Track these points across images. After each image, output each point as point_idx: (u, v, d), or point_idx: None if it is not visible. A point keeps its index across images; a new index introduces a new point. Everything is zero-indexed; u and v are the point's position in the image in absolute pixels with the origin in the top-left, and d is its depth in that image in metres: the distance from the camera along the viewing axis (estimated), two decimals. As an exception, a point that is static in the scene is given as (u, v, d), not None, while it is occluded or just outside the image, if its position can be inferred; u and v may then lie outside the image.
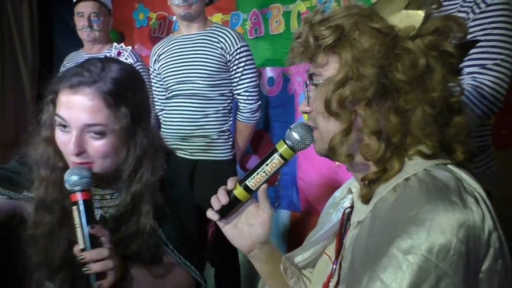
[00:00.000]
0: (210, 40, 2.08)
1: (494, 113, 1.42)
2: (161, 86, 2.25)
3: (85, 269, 0.91)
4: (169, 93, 2.18)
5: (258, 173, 0.87)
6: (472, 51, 1.32)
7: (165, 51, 2.19)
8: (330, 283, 0.87)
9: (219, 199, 0.90)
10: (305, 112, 0.86)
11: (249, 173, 0.89)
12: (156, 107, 2.32)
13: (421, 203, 0.65)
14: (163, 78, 2.19)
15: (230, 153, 2.17)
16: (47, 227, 1.01)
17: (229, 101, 2.16)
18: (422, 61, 0.71)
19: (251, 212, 0.92)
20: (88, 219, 0.93)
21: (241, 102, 2.14)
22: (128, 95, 1.02)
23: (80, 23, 2.49)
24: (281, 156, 0.86)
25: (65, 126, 0.99)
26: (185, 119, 2.11)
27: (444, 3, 1.39)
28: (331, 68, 0.76)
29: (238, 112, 2.18)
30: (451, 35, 0.74)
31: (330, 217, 0.97)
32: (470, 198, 0.66)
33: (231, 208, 0.91)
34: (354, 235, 0.77)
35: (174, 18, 2.97)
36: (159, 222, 1.09)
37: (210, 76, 2.06)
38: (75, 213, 0.93)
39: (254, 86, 2.11)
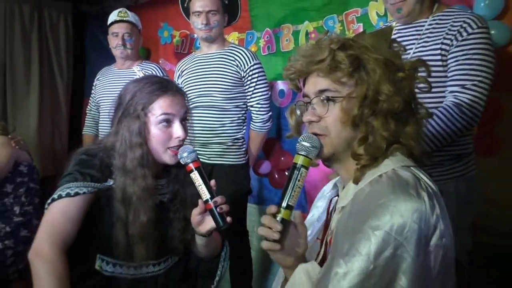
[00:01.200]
0: (227, 58, 2.31)
1: (473, 126, 1.60)
2: (184, 99, 2.50)
3: (221, 210, 1.23)
4: (191, 105, 2.42)
5: (294, 190, 0.98)
6: (454, 73, 1.58)
7: (187, 67, 2.43)
8: (317, 259, 1.06)
9: (274, 227, 0.96)
10: (311, 121, 1.01)
11: (284, 194, 0.99)
12: None
13: (387, 194, 0.87)
14: (185, 91, 2.40)
15: (244, 158, 2.38)
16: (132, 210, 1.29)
17: (243, 112, 2.37)
18: (413, 86, 0.97)
19: (292, 230, 1.01)
20: (205, 179, 1.25)
21: (254, 113, 2.35)
22: None
23: (115, 42, 2.73)
24: (303, 166, 0.99)
25: (168, 121, 1.30)
26: (203, 127, 2.32)
27: (433, 31, 1.62)
28: (346, 87, 0.96)
29: (251, 122, 2.39)
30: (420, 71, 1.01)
31: (319, 209, 1.20)
32: (423, 192, 0.87)
33: (284, 231, 0.98)
34: (338, 218, 0.98)
35: (195, 35, 3.19)
36: None
37: (226, 90, 2.28)
38: (196, 177, 1.24)
39: (265, 99, 2.32)
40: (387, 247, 0.82)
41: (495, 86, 1.89)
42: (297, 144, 1.00)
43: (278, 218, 0.97)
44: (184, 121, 1.35)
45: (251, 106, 2.35)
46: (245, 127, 2.42)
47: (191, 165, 1.25)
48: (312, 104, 1.00)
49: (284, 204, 0.97)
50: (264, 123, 2.36)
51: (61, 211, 1.23)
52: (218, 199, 1.24)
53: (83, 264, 1.27)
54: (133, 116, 1.29)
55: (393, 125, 0.94)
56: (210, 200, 1.23)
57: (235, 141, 2.35)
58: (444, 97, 1.61)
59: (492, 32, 2.04)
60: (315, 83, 1.00)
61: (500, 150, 2.14)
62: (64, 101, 4.11)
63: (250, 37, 3.09)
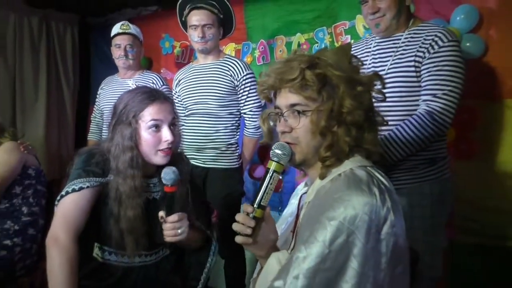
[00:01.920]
0: (221, 68, 2.43)
1: (444, 132, 1.71)
2: (181, 106, 2.58)
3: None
4: (187, 112, 2.53)
5: (267, 193, 1.08)
6: (426, 83, 1.71)
7: (184, 77, 2.56)
8: (289, 249, 1.17)
9: (247, 224, 1.08)
10: (284, 131, 1.10)
11: (258, 194, 1.09)
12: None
13: (343, 189, 0.99)
14: (183, 99, 2.55)
15: (237, 162, 2.49)
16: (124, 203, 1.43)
17: (236, 119, 2.49)
18: (370, 98, 1.10)
19: (263, 226, 1.12)
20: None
21: (247, 120, 2.46)
22: None
23: (117, 53, 2.85)
24: (275, 171, 1.09)
25: (157, 126, 1.44)
26: (199, 133, 2.45)
27: (408, 44, 1.73)
28: (315, 102, 1.06)
29: (244, 128, 2.50)
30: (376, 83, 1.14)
31: (293, 206, 1.33)
32: (375, 188, 0.99)
33: (256, 227, 1.09)
34: (304, 212, 1.11)
35: (195, 46, 3.36)
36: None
37: (220, 98, 2.40)
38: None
39: (258, 107, 2.43)
40: (341, 235, 0.93)
41: (471, 94, 2.01)
42: (271, 151, 1.10)
43: (251, 216, 1.08)
44: (172, 126, 1.49)
45: (244, 113, 2.46)
46: (238, 133, 2.53)
47: (167, 188, 1.39)
48: (284, 116, 1.10)
49: (256, 204, 1.08)
50: (257, 129, 2.46)
51: (71, 204, 1.38)
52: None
53: (83, 251, 1.41)
54: (126, 123, 1.44)
55: (354, 132, 1.06)
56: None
57: (229, 146, 2.46)
58: (417, 105, 1.72)
59: (468, 44, 2.18)
60: (287, 98, 1.10)
61: (475, 155, 2.25)
62: (70, 108, 4.21)
63: (246, 47, 3.23)
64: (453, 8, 2.27)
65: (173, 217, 1.39)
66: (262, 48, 3.14)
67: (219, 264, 2.56)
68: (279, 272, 1.01)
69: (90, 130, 3.19)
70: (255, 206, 1.08)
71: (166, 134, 1.46)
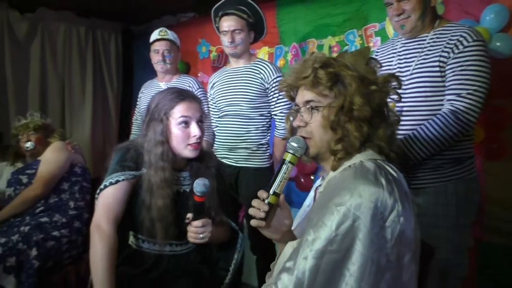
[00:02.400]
0: (252, 71, 2.52)
1: (468, 132, 1.71)
2: (215, 108, 2.70)
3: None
4: (220, 113, 2.64)
5: (281, 181, 1.16)
6: (451, 83, 1.73)
7: (218, 80, 2.67)
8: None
9: (261, 208, 1.14)
10: (299, 126, 1.19)
11: (272, 182, 1.16)
12: (213, 124, 2.76)
13: (350, 179, 1.06)
14: (216, 101, 2.66)
15: (268, 162, 2.57)
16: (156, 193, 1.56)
17: (267, 120, 2.56)
18: (383, 97, 1.16)
19: (278, 212, 1.19)
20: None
21: (277, 121, 2.53)
22: None
23: (156, 58, 2.96)
24: (290, 162, 1.17)
25: (186, 123, 1.57)
26: (231, 134, 2.55)
27: (433, 44, 1.75)
28: (328, 98, 1.14)
29: (275, 129, 2.56)
30: (392, 83, 1.20)
31: (310, 197, 1.40)
32: (382, 178, 1.04)
33: (270, 212, 1.15)
34: (316, 201, 1.19)
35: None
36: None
37: (252, 100, 2.49)
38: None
39: (287, 108, 2.46)
40: (347, 220, 0.98)
41: (501, 94, 2.00)
42: (287, 144, 1.17)
43: (266, 202, 1.15)
44: (200, 122, 1.62)
45: (275, 114, 2.53)
46: (269, 134, 2.61)
47: (196, 198, 1.49)
48: (301, 112, 1.19)
49: (271, 191, 1.15)
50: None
51: (109, 196, 1.53)
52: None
53: (120, 239, 1.55)
54: (158, 120, 1.58)
55: (366, 128, 1.13)
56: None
57: (260, 146, 2.54)
58: (442, 105, 1.73)
59: (498, 44, 2.17)
60: (303, 95, 1.19)
61: (506, 155, 2.23)
62: (114, 111, 4.46)
63: (279, 51, 3.32)
64: (483, 8, 2.26)
65: (198, 222, 1.51)
66: (294, 51, 3.21)
67: (252, 260, 2.63)
68: (291, 254, 1.08)
69: (132, 131, 3.34)
70: (270, 193, 1.15)
71: (194, 129, 1.58)
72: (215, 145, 2.69)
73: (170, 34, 3.00)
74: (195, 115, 1.60)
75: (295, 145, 1.16)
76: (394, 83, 1.21)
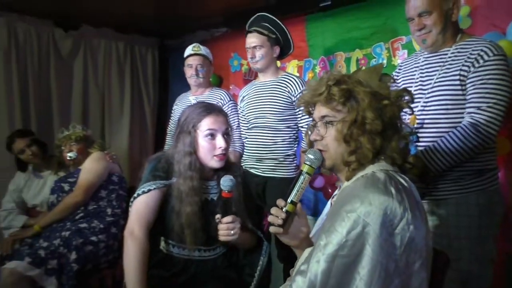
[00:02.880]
0: (279, 85, 2.61)
1: (488, 144, 1.72)
2: (244, 120, 2.81)
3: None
4: (249, 125, 2.74)
5: (298, 191, 1.23)
6: (471, 96, 1.76)
7: (247, 94, 2.78)
8: None
9: (279, 215, 1.23)
10: (316, 140, 1.26)
11: (290, 192, 1.23)
12: (242, 135, 2.86)
13: (361, 188, 1.11)
14: (246, 114, 2.76)
15: (294, 172, 2.62)
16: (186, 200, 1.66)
17: (294, 131, 2.64)
18: (396, 111, 1.22)
19: (295, 220, 1.27)
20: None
21: (303, 133, 2.62)
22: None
23: (189, 72, 3.06)
24: (307, 173, 1.24)
25: (212, 135, 1.67)
26: (259, 145, 2.64)
27: (454, 58, 1.79)
28: (341, 113, 1.21)
29: (302, 141, 2.63)
30: (404, 98, 1.26)
31: (327, 207, 1.46)
32: (391, 187, 1.09)
33: (287, 219, 1.23)
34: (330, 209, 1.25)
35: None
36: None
37: (278, 113, 2.58)
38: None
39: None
40: (357, 226, 1.03)
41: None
42: (305, 156, 1.25)
43: (283, 210, 1.23)
44: (226, 135, 1.72)
45: (301, 126, 2.61)
46: (296, 145, 2.68)
47: (224, 194, 1.58)
48: (317, 126, 1.26)
49: (289, 200, 1.23)
50: (313, 142, 2.60)
51: (142, 203, 1.65)
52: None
53: (152, 244, 1.66)
54: (186, 132, 1.69)
55: (378, 141, 1.19)
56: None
57: (287, 157, 2.62)
58: (462, 118, 1.75)
59: (525, 56, 2.15)
60: (319, 110, 1.26)
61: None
62: (150, 122, 4.62)
63: (308, 64, 3.38)
64: (509, 21, 2.26)
65: (228, 218, 1.59)
66: (322, 64, 3.27)
67: (279, 268, 2.66)
68: (306, 257, 1.15)
69: (166, 142, 3.45)
70: (288, 201, 1.23)
71: (220, 141, 1.68)
72: (244, 155, 2.78)
73: (203, 49, 3.11)
74: (221, 128, 1.70)
75: (311, 157, 1.23)
76: (407, 98, 1.27)
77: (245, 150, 2.79)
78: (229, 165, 1.78)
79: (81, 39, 4.16)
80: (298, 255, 1.32)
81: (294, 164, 2.66)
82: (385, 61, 2.88)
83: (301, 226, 1.28)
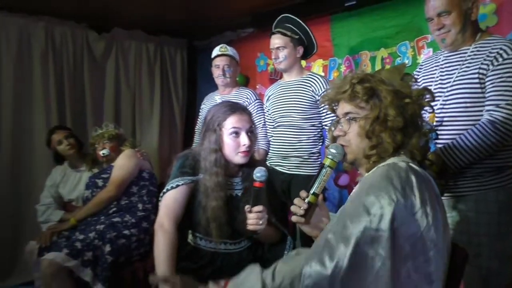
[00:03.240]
0: (304, 84, 2.66)
1: (507, 141, 1.72)
2: (270, 119, 2.87)
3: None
4: (275, 124, 2.80)
5: (319, 183, 1.29)
6: (490, 94, 1.78)
7: (273, 93, 2.84)
8: None
9: (301, 206, 1.28)
10: (339, 135, 1.31)
11: (312, 184, 1.29)
12: (268, 134, 2.93)
13: (383, 175, 1.13)
14: (271, 113, 2.82)
15: None
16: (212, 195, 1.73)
17: (318, 130, 2.68)
18: (417, 109, 1.27)
19: (317, 211, 1.34)
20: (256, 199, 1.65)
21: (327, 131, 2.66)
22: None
23: (216, 72, 3.13)
24: (329, 167, 1.29)
25: (236, 133, 1.75)
26: (284, 143, 2.69)
27: (474, 57, 1.80)
28: (364, 110, 1.26)
29: (326, 139, 2.67)
30: (425, 97, 1.30)
31: None
32: (413, 176, 1.10)
33: (309, 210, 1.29)
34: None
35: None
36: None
37: (303, 111, 2.63)
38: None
39: None
40: (376, 214, 1.06)
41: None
42: (326, 150, 1.31)
43: (306, 201, 1.28)
44: (250, 133, 1.79)
45: (325, 125, 2.64)
46: (321, 143, 2.72)
47: (256, 184, 1.63)
48: (340, 122, 1.32)
49: (311, 192, 1.29)
50: (338, 140, 2.64)
51: (170, 198, 1.74)
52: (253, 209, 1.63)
53: (181, 237, 1.75)
54: (212, 130, 1.77)
55: (399, 137, 1.24)
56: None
57: (311, 155, 2.67)
58: (481, 115, 1.76)
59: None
60: (343, 107, 1.31)
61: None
62: (179, 121, 4.73)
63: (333, 63, 3.42)
64: (536, 18, 2.24)
65: (258, 207, 1.64)
66: (347, 63, 3.30)
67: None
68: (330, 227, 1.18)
69: (194, 140, 3.56)
70: (310, 192, 1.29)
71: (244, 139, 1.76)
72: (270, 153, 2.84)
73: (230, 50, 3.17)
74: (245, 126, 1.78)
75: (333, 151, 1.29)
76: (428, 96, 1.31)
77: (271, 148, 2.84)
78: (254, 163, 1.85)
79: (113, 41, 4.30)
80: None
81: (319, 162, 2.69)
82: (410, 60, 2.89)
83: (322, 217, 1.35)
